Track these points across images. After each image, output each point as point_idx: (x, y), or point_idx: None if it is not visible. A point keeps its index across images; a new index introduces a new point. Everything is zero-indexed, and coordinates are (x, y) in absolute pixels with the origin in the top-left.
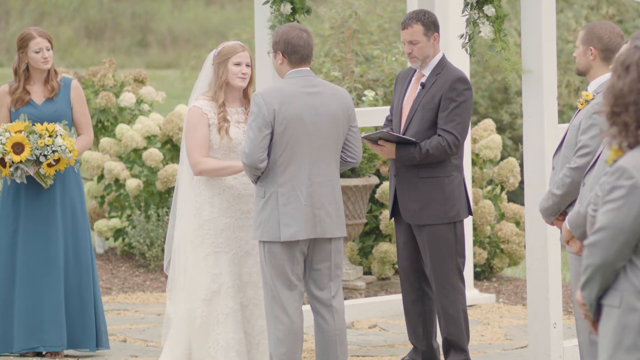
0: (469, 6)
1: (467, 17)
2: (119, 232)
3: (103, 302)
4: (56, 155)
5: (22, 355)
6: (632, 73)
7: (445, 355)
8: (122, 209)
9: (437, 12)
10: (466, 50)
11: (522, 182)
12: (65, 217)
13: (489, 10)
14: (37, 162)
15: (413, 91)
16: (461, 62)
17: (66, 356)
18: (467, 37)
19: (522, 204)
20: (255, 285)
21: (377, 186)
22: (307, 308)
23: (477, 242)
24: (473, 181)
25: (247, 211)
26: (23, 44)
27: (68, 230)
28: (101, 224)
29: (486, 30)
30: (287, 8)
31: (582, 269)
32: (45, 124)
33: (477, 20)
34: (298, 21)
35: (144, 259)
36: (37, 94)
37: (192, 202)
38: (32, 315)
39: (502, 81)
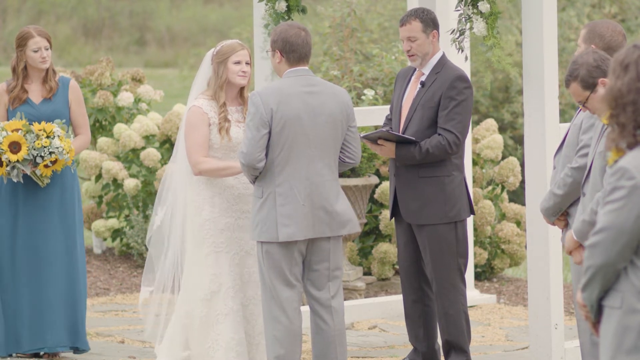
0: (462, 2)
1: (460, 12)
2: (117, 233)
3: (101, 303)
4: (53, 157)
5: (19, 356)
6: (630, 72)
7: (446, 356)
8: (120, 209)
9: (438, 10)
10: (456, 46)
11: (523, 182)
12: (62, 217)
13: (484, 6)
14: (34, 163)
15: (413, 90)
16: (461, 61)
17: (63, 357)
18: (458, 32)
19: (523, 204)
20: (256, 285)
21: (376, 186)
22: (305, 309)
23: (477, 243)
24: (474, 181)
25: (247, 211)
26: (22, 42)
27: (65, 230)
28: (99, 224)
29: (479, 27)
30: (281, 6)
31: (583, 269)
32: (42, 123)
33: (471, 16)
34: (292, 19)
35: (142, 260)
36: (35, 93)
37: (192, 202)
38: (34, 315)
39: (503, 80)
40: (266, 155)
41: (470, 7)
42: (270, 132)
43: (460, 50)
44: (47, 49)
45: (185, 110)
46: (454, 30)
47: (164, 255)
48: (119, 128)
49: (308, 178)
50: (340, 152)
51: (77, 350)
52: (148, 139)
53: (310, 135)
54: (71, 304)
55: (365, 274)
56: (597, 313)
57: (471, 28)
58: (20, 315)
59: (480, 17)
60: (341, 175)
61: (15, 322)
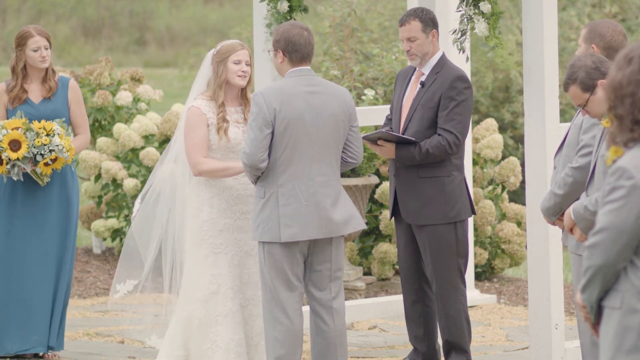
0: (464, 2)
1: (462, 12)
2: (116, 233)
3: (100, 303)
4: (53, 155)
5: (18, 356)
6: (633, 65)
7: (446, 356)
8: (120, 209)
9: (437, 10)
10: (457, 46)
11: (523, 182)
12: (61, 217)
13: (485, 6)
14: (34, 161)
15: (413, 90)
16: (462, 61)
17: (63, 357)
18: (460, 33)
19: (524, 204)
20: (255, 286)
21: (376, 186)
22: (305, 309)
23: (478, 243)
24: (474, 181)
25: (246, 212)
26: (21, 42)
27: (62, 230)
28: (98, 224)
29: (481, 27)
30: (284, 6)
31: (583, 270)
32: (42, 121)
33: (472, 17)
34: (295, 19)
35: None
36: (35, 92)
37: (191, 203)
38: (25, 316)
39: (503, 80)
40: (268, 155)
41: (472, 7)
42: (273, 132)
43: (462, 51)
44: (46, 49)
45: (184, 110)
46: (455, 31)
47: (150, 254)
48: (118, 128)
49: (310, 178)
50: (342, 151)
51: (50, 348)
52: (147, 138)
53: (312, 135)
54: (55, 304)
55: (365, 274)
56: (597, 314)
57: (473, 28)
58: (11, 316)
59: (482, 17)
60: (341, 175)
61: (7, 323)
